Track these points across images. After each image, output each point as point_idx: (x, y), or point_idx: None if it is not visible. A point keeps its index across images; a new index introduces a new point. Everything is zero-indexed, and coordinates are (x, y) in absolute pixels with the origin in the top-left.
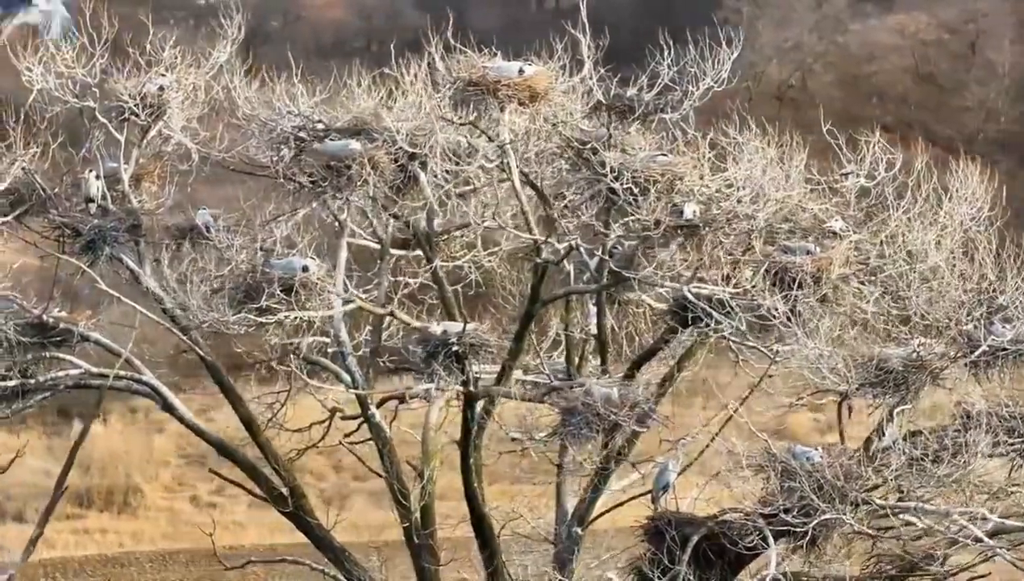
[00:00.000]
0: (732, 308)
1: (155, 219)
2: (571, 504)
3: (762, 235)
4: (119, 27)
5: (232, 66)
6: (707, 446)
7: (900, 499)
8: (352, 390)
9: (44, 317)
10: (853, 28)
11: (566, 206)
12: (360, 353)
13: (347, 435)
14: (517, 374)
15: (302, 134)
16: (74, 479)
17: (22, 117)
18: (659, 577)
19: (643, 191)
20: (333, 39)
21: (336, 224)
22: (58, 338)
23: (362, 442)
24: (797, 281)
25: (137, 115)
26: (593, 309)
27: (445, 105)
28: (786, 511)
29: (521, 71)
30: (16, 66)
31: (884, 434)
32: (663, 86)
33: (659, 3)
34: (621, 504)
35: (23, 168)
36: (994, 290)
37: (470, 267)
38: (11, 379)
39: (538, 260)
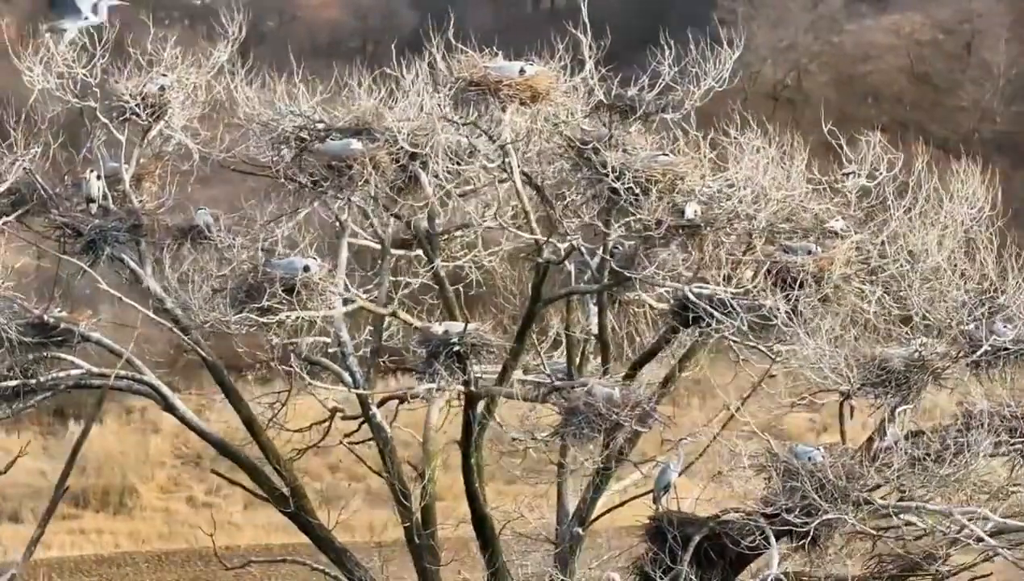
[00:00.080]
0: (733, 308)
1: (156, 219)
2: (572, 504)
3: (763, 235)
4: (119, 27)
5: (234, 66)
6: (707, 446)
7: (901, 499)
8: (353, 390)
9: (45, 317)
10: (848, 28)
11: (567, 206)
12: (361, 353)
13: (347, 435)
14: (518, 374)
15: (303, 134)
16: (70, 479)
17: (23, 117)
18: (660, 577)
19: (644, 191)
20: (329, 39)
21: (337, 224)
22: (59, 338)
23: (363, 442)
24: (798, 281)
25: (138, 115)
26: (594, 309)
27: (446, 105)
28: (788, 511)
29: (522, 71)
30: (17, 66)
31: (886, 434)
32: (664, 86)
33: (654, 3)
34: (622, 504)
35: (24, 168)
36: (995, 290)
37: (471, 267)
38: (12, 379)
39: (539, 260)
